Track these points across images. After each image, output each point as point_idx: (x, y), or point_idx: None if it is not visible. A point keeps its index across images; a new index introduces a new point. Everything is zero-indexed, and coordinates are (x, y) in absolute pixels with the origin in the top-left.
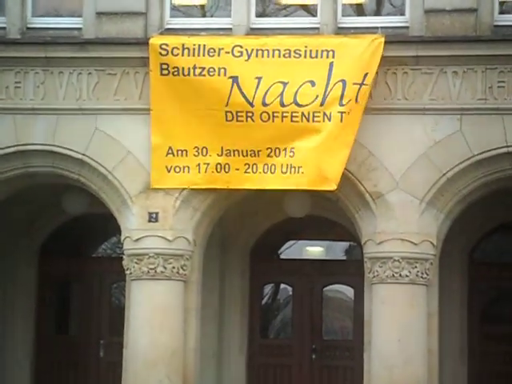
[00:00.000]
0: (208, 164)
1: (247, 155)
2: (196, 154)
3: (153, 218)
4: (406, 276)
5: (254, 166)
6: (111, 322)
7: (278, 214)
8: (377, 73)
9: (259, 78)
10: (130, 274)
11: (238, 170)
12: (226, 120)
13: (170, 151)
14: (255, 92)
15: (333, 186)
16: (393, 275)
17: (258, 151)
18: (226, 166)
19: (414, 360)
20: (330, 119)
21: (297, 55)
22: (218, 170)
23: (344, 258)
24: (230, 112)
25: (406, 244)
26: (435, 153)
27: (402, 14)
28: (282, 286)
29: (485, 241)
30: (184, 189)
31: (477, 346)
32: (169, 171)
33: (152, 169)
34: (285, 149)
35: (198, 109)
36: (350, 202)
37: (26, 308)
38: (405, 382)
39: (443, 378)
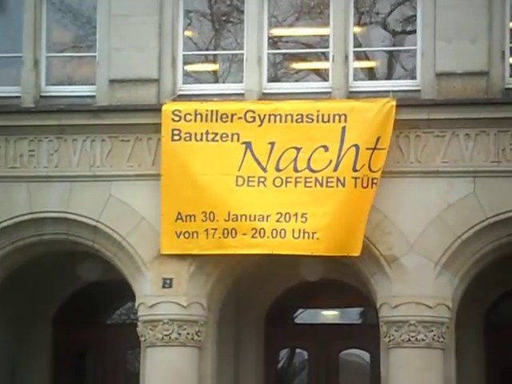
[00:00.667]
0: (216, 229)
1: (255, 220)
2: (204, 219)
3: (167, 283)
4: (423, 340)
5: (262, 231)
6: None
7: (293, 278)
8: (390, 137)
9: (272, 144)
10: (145, 340)
11: (245, 234)
12: (237, 185)
13: (179, 216)
14: (269, 157)
15: (356, 253)
16: (409, 339)
17: (268, 216)
18: (233, 231)
19: None
20: (343, 185)
21: (309, 120)
22: (225, 235)
23: (359, 321)
24: (242, 177)
25: (422, 307)
26: (449, 215)
27: (414, 77)
28: (298, 350)
29: (500, 304)
30: (197, 255)
31: None
32: (178, 236)
33: (162, 234)
34: (295, 214)
35: (208, 174)
36: (365, 266)
37: (42, 378)
38: None
39: None
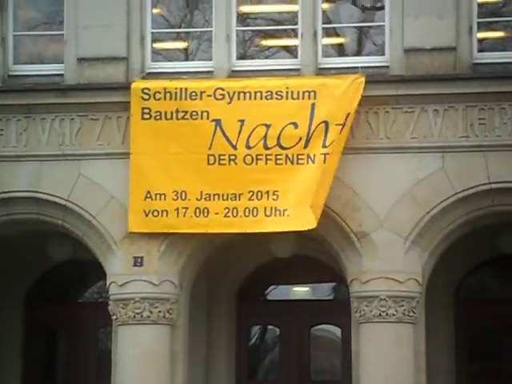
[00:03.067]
0: (187, 208)
1: (227, 199)
2: (175, 197)
3: (138, 262)
4: (393, 315)
5: (235, 210)
6: (98, 368)
7: (264, 255)
8: (358, 112)
9: (242, 121)
10: (117, 319)
11: (217, 214)
12: (208, 163)
13: (148, 195)
14: (239, 135)
15: (311, 225)
16: (380, 314)
17: (240, 195)
18: (205, 210)
19: None
20: (313, 161)
21: (278, 97)
22: (197, 214)
23: (331, 297)
24: (213, 155)
25: (392, 283)
26: (418, 191)
27: (383, 53)
28: (270, 326)
29: (469, 278)
30: (168, 233)
31: None
32: (147, 215)
33: (130, 213)
34: (267, 192)
35: (179, 152)
36: (336, 242)
37: (13, 357)
38: None
39: None
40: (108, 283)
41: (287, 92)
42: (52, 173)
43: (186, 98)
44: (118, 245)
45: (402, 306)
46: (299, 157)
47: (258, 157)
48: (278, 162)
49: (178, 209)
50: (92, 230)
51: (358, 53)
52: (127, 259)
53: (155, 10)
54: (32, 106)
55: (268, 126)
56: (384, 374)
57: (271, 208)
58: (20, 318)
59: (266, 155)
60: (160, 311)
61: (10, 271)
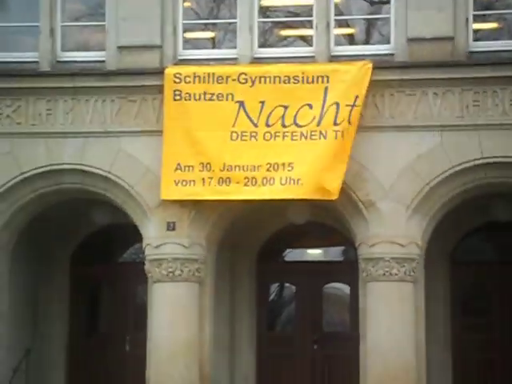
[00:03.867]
0: (212, 178)
1: (247, 170)
2: (201, 169)
3: (170, 227)
4: (396, 274)
5: (253, 180)
6: (136, 320)
7: (282, 221)
8: (366, 95)
9: (263, 102)
10: (152, 277)
11: (238, 183)
12: (231, 139)
13: (178, 167)
14: (259, 114)
15: (334, 197)
16: (384, 274)
17: (258, 166)
18: (227, 179)
19: (404, 349)
20: (325, 137)
21: (295, 81)
22: (220, 183)
23: (341, 259)
24: (236, 132)
25: (395, 246)
26: (419, 165)
27: (388, 42)
28: (287, 284)
29: (463, 242)
30: (196, 201)
31: (459, 335)
32: (176, 184)
33: (162, 182)
34: (283, 164)
35: (205, 129)
36: (345, 210)
37: (61, 311)
38: (396, 368)
39: (430, 364)
40: (144, 245)
41: (303, 77)
42: (95, 148)
43: (212, 82)
44: (153, 212)
45: (404, 266)
46: (312, 133)
47: (276, 134)
48: (294, 138)
49: (203, 179)
50: (130, 198)
51: (367, 42)
52: (161, 224)
53: (186, 4)
54: (77, 89)
55: (286, 107)
56: (387, 326)
57: (286, 178)
58: (67, 275)
59: (284, 132)
60: (190, 270)
61: (57, 234)
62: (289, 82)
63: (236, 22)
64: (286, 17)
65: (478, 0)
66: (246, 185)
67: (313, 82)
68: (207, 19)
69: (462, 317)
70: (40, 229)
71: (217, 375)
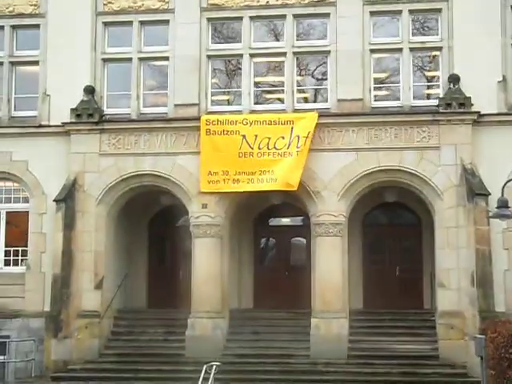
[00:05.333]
0: (228, 179)
1: (248, 174)
2: (222, 174)
3: (204, 206)
4: (331, 232)
5: (252, 179)
6: (185, 260)
7: (268, 202)
8: (314, 131)
9: (256, 135)
10: (194, 234)
11: (243, 182)
12: (238, 157)
13: (209, 172)
14: (254, 142)
15: (295, 188)
16: (325, 232)
17: (254, 172)
18: (237, 180)
19: (336, 274)
20: (291, 155)
21: (274, 123)
22: (233, 182)
23: (301, 224)
24: (241, 153)
25: (331, 216)
26: (344, 170)
27: (327, 101)
28: (271, 238)
29: (369, 214)
30: (218, 192)
31: (366, 266)
32: (209, 183)
33: (201, 181)
34: (268, 170)
35: (224, 151)
36: (303, 196)
37: (143, 253)
38: (332, 283)
39: (350, 283)
40: (189, 216)
41: (279, 121)
42: (162, 162)
43: (228, 124)
44: (194, 197)
45: (336, 227)
46: (284, 153)
47: (264, 153)
48: (274, 156)
49: (224, 179)
50: (181, 190)
51: (315, 101)
52: (199, 204)
53: (213, 80)
54: (151, 129)
55: (269, 138)
56: (326, 262)
57: (270, 178)
58: (146, 233)
59: (268, 153)
60: (214, 231)
61: (141, 210)
62: (271, 124)
63: (241, 90)
64: (269, 87)
65: (376, 78)
66: (247, 183)
67: (284, 124)
68: (225, 89)
69: (368, 255)
70: (131, 206)
71: (231, 290)
